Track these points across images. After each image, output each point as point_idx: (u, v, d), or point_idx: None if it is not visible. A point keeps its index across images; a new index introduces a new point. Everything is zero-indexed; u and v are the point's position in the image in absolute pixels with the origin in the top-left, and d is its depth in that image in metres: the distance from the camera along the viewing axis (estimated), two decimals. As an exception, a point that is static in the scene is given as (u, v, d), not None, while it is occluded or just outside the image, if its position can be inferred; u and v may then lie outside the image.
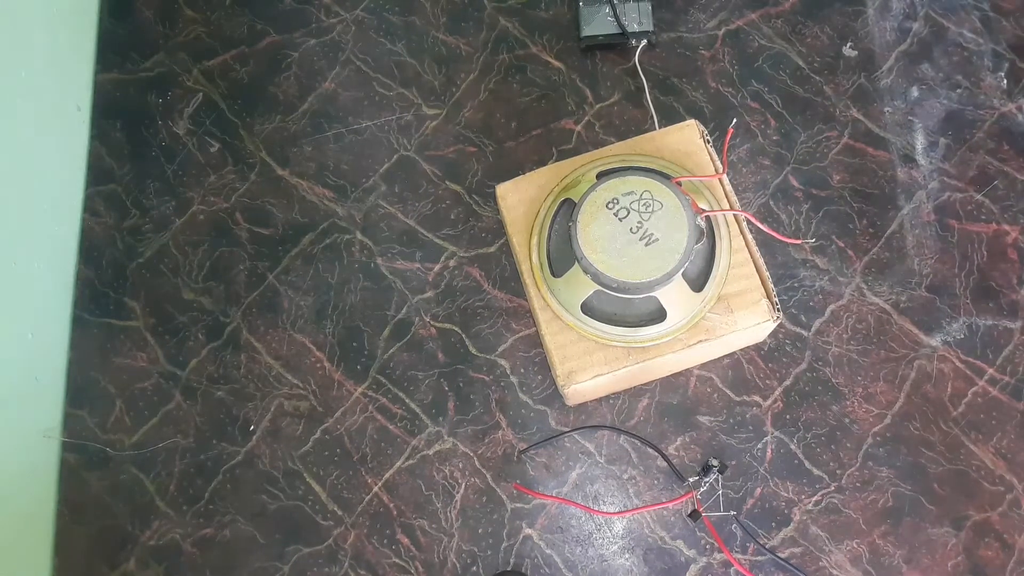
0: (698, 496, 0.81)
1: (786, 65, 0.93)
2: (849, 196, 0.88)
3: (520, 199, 0.77)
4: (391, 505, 0.84)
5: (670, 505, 0.82)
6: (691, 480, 0.82)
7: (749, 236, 0.74)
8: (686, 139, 0.77)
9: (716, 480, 0.81)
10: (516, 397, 0.86)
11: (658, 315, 0.71)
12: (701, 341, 0.72)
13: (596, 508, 0.83)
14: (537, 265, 0.76)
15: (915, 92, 0.90)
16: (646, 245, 0.68)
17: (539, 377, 0.86)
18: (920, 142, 0.89)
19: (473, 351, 0.87)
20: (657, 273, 0.67)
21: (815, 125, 0.91)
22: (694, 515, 0.81)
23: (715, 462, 0.81)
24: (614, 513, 0.83)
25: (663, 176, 0.72)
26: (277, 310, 0.90)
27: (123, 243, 0.93)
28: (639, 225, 0.68)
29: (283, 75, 0.96)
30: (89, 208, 0.94)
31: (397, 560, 0.83)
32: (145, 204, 0.94)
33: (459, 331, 0.88)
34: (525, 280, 0.76)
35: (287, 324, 0.90)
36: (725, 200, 0.75)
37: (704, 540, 0.81)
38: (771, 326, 0.74)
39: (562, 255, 0.74)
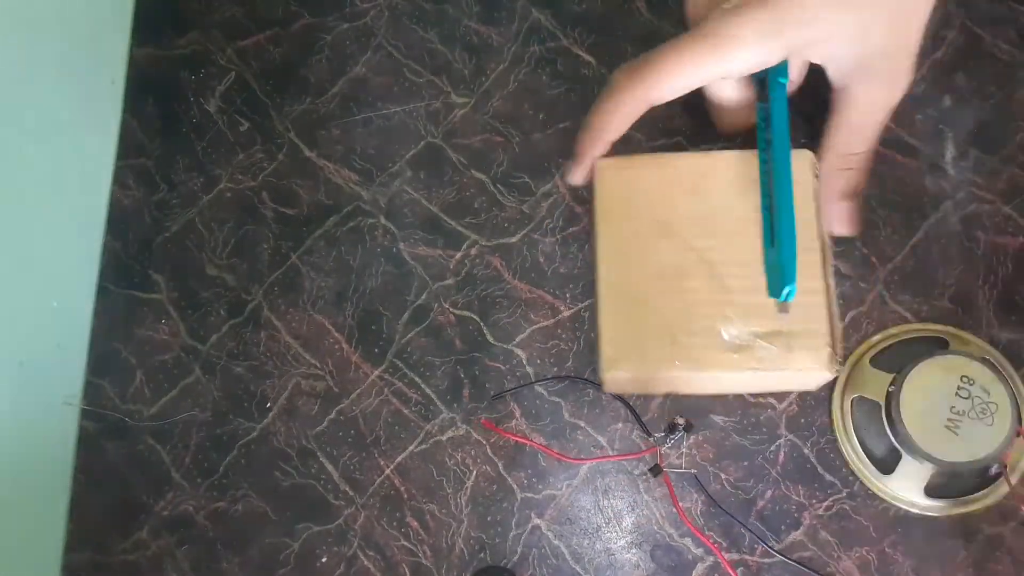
0: (662, 452, 0.83)
1: (814, 68, 0.92)
2: (875, 203, 0.87)
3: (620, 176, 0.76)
4: (402, 488, 0.85)
5: (634, 457, 0.83)
6: (656, 436, 0.83)
7: (831, 280, 0.72)
8: (795, 168, 0.73)
9: (681, 438, 0.82)
10: (531, 387, 0.86)
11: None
12: (752, 369, 0.70)
13: (561, 453, 0.84)
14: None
15: (947, 101, 0.89)
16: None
17: (555, 368, 0.86)
18: (950, 151, 0.88)
19: (490, 339, 0.88)
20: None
21: (844, 130, 0.90)
22: (655, 470, 0.82)
23: (681, 420, 0.82)
24: (578, 460, 0.84)
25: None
26: (298, 290, 0.91)
27: (150, 217, 0.94)
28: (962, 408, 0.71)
29: (315, 58, 0.97)
30: (119, 180, 0.95)
31: (406, 543, 0.83)
32: (174, 179, 0.95)
33: (477, 319, 0.88)
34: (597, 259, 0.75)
35: (307, 304, 0.90)
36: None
37: (712, 539, 0.81)
38: (827, 377, 0.72)
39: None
